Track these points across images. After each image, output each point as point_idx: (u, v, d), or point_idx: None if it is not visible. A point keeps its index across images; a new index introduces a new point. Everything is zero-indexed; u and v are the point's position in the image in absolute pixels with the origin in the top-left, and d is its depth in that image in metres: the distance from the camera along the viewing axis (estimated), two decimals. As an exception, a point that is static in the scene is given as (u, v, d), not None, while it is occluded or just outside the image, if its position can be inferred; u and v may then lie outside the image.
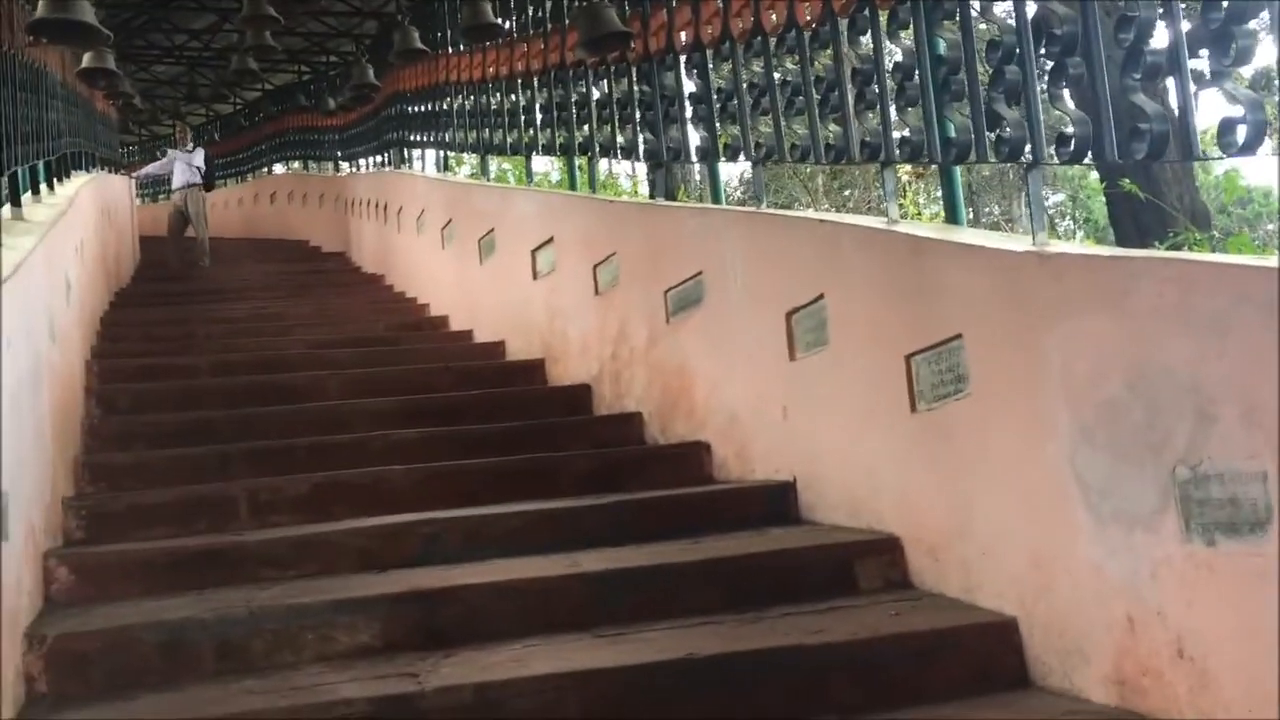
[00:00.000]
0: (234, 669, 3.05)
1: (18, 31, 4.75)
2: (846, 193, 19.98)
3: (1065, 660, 2.75)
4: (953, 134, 3.34)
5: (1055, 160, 2.92)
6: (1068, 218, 25.13)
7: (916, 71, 3.49)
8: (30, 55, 5.32)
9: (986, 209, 23.04)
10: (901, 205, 19.00)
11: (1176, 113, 2.56)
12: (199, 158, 12.13)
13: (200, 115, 20.50)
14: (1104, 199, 10.62)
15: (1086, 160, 2.87)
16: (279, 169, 17.23)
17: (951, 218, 3.70)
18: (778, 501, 4.15)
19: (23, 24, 4.87)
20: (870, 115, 3.79)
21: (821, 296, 3.91)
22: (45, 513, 3.68)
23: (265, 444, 4.96)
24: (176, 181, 12.10)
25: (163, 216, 12.45)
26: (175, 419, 5.37)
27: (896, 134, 3.66)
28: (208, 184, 12.12)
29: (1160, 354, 2.34)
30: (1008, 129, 3.02)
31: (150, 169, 13.49)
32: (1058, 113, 3.02)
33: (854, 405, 3.75)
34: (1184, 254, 2.37)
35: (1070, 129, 2.81)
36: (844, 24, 3.92)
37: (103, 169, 10.82)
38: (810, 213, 4.18)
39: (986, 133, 3.16)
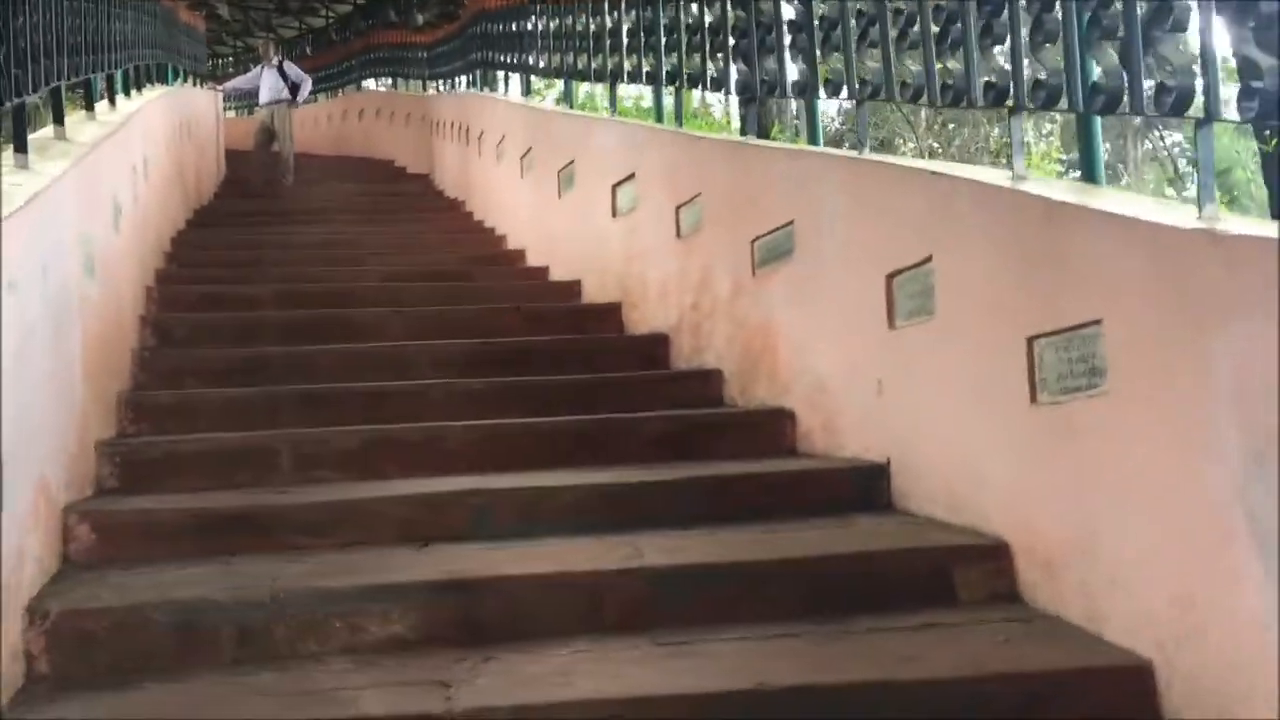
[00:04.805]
0: (253, 657, 2.75)
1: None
2: (951, 127, 19.03)
3: (1212, 722, 2.30)
4: (1099, 77, 2.81)
5: (1236, 117, 2.39)
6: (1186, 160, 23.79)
7: (1058, 2, 2.95)
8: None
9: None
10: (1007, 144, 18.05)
11: None
12: (291, 72, 11.85)
13: (292, 28, 20.29)
14: (1257, 151, 9.65)
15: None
16: (369, 85, 16.93)
17: (1089, 176, 3.17)
18: (867, 485, 3.71)
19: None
20: (997, 51, 3.27)
21: (929, 259, 3.43)
22: (70, 463, 3.41)
23: (319, 387, 4.66)
24: (263, 97, 11.88)
25: (253, 131, 12.24)
26: (230, 354, 5.10)
27: (1029, 74, 3.14)
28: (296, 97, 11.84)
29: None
30: (1173, 75, 2.49)
31: (236, 83, 13.25)
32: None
33: (961, 386, 3.29)
34: None
35: (1260, 81, 2.27)
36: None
37: (187, 82, 10.61)
38: (922, 162, 3.68)
39: (1143, 79, 2.63)
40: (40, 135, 4.10)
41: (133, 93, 6.82)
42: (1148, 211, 2.53)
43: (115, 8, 5.88)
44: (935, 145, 18.11)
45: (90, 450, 3.71)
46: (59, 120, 4.26)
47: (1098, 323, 2.60)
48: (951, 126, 18.81)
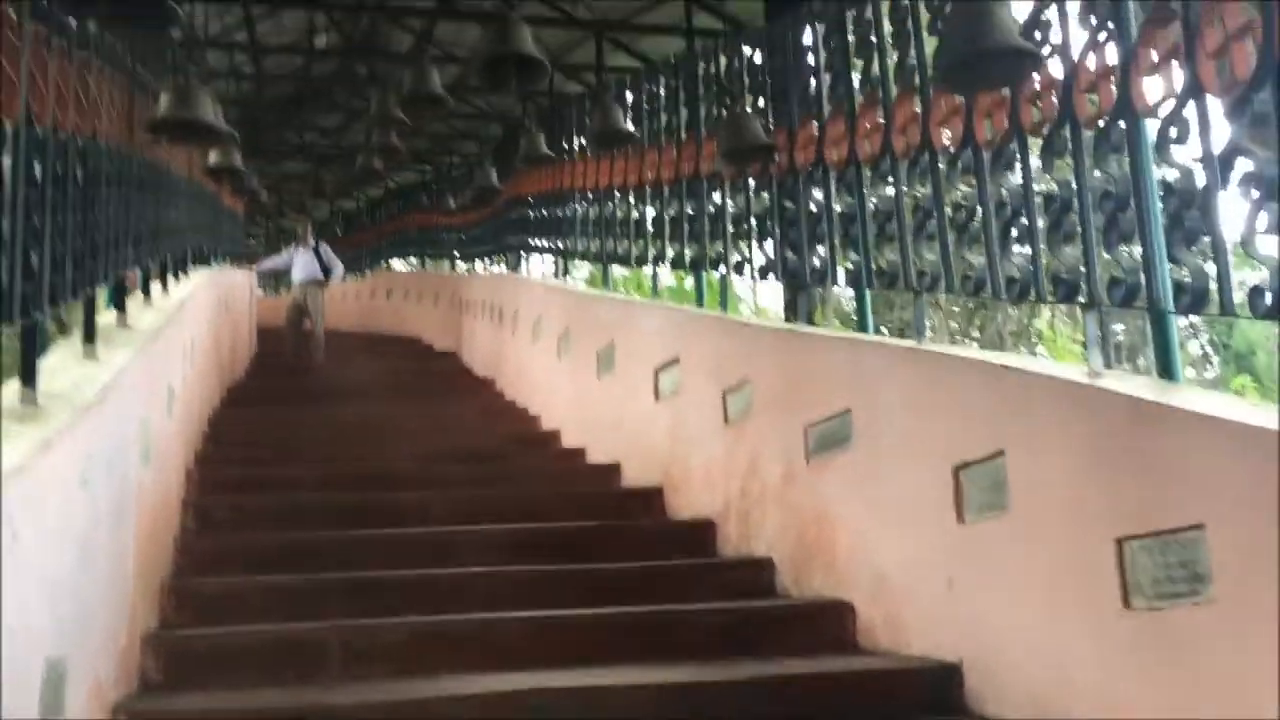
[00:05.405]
0: None
1: (138, 129, 4.53)
2: (970, 308, 19.22)
3: None
4: (1185, 276, 2.82)
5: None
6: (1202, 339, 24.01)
7: (1133, 201, 2.99)
8: (153, 152, 5.13)
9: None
10: (1035, 326, 18.07)
11: None
12: (323, 252, 12.11)
13: (324, 210, 20.86)
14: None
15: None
16: (397, 264, 17.29)
17: (1166, 372, 3.16)
18: (940, 686, 3.56)
19: (145, 121, 4.67)
20: (1068, 248, 3.29)
21: (1001, 453, 3.37)
22: (119, 657, 3.30)
23: (364, 575, 4.55)
24: (297, 276, 12.08)
25: (282, 308, 12.44)
26: (271, 539, 5.02)
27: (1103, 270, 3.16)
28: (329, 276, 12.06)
29: None
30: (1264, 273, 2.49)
31: (271, 263, 13.51)
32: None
33: (1042, 585, 3.18)
34: None
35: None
36: (1036, 143, 3.45)
37: (227, 262, 10.84)
38: (988, 355, 3.67)
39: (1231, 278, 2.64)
40: (103, 323, 4.13)
41: (180, 275, 6.94)
42: (1245, 414, 2.49)
43: (169, 196, 6.04)
44: (955, 329, 18.28)
45: (137, 642, 3.60)
46: (121, 308, 4.31)
47: (1199, 527, 2.53)
48: (971, 307, 19.01)
